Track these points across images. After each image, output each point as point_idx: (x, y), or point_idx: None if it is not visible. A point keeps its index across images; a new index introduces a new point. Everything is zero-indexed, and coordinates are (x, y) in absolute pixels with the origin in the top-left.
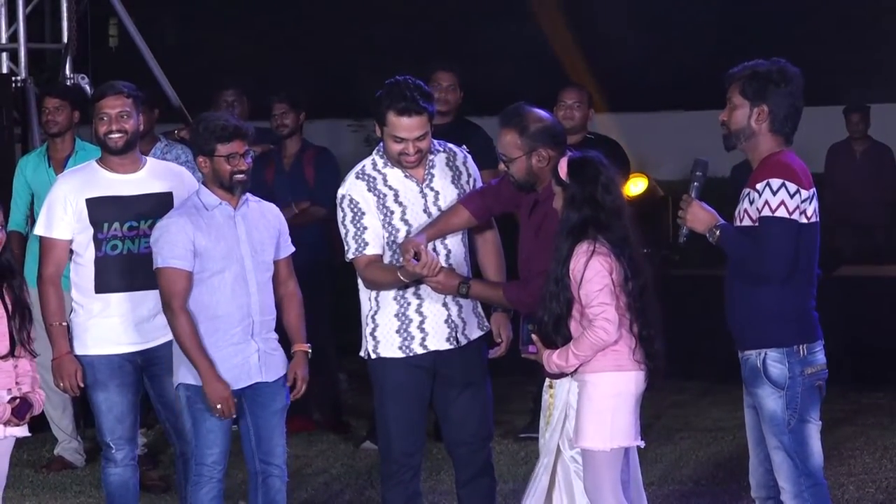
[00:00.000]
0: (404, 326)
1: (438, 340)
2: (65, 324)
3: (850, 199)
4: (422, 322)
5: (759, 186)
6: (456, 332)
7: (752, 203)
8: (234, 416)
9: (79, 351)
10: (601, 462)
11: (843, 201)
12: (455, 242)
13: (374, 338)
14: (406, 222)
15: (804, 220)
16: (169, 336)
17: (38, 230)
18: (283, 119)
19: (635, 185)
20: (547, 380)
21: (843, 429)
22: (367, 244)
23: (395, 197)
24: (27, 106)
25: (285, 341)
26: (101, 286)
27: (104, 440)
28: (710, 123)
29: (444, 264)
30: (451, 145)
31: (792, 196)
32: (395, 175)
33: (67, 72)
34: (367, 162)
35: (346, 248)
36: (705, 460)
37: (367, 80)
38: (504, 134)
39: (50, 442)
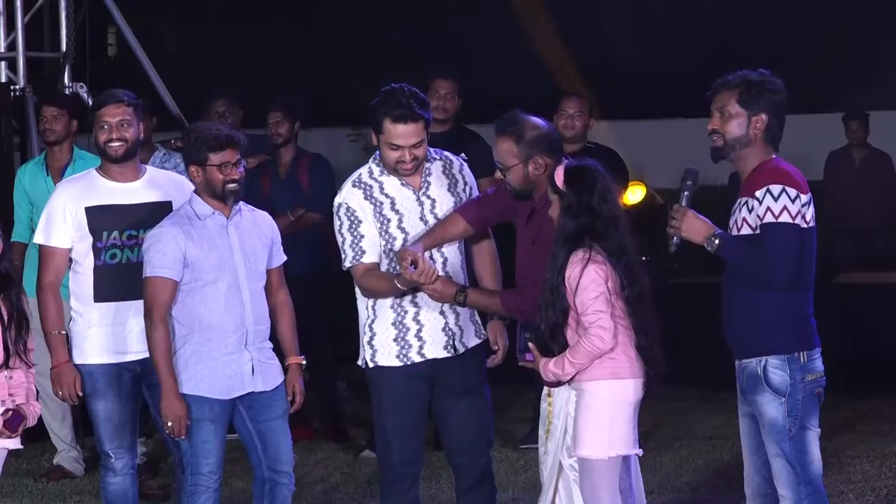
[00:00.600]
0: (402, 335)
1: (436, 349)
2: (64, 332)
3: (850, 206)
4: (419, 330)
5: (758, 194)
6: (454, 340)
7: (751, 211)
8: (229, 426)
9: (78, 360)
10: (599, 470)
11: (843, 208)
12: (452, 251)
13: (372, 346)
14: (403, 230)
15: (804, 225)
16: None
17: (38, 238)
18: (278, 128)
19: (633, 194)
20: (545, 389)
21: (843, 436)
22: (364, 252)
23: (391, 205)
24: (26, 114)
25: (278, 351)
26: (100, 295)
27: (103, 449)
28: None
29: (441, 272)
30: (447, 153)
31: (793, 201)
32: (391, 183)
33: (66, 80)
34: (363, 170)
35: (343, 256)
36: (704, 468)
37: (366, 90)
38: (500, 142)
39: (49, 451)
